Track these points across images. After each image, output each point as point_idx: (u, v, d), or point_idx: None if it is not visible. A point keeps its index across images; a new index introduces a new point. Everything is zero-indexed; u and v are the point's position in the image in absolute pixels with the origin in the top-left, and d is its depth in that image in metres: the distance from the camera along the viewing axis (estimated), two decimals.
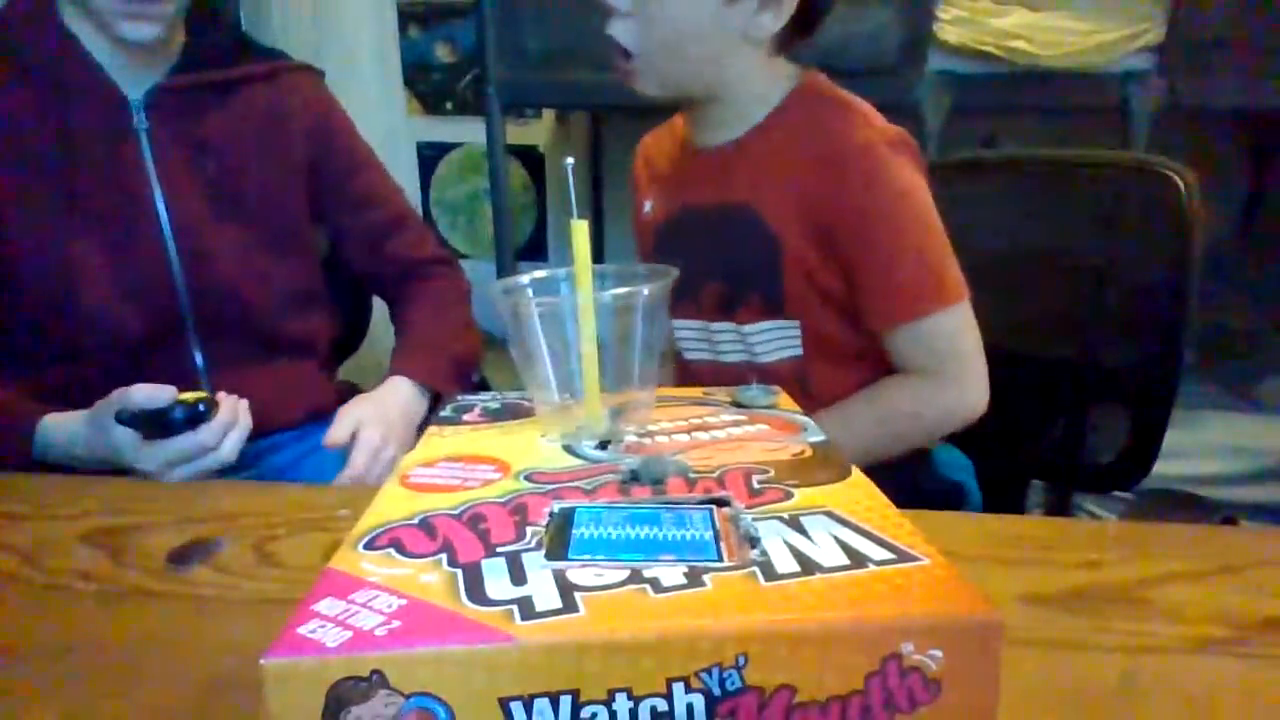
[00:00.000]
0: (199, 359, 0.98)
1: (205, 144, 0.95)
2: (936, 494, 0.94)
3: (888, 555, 0.32)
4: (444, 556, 0.33)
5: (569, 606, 0.29)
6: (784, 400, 0.55)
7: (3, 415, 0.87)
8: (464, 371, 1.08)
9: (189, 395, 0.80)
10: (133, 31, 0.87)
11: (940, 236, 0.84)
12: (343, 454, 0.89)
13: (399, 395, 0.98)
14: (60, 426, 0.85)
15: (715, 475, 0.41)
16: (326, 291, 1.10)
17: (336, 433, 0.90)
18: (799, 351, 0.90)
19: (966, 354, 0.85)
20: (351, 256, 1.10)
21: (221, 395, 0.83)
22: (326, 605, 0.30)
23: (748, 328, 0.91)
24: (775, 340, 0.91)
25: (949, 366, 0.85)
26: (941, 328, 0.84)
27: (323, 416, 1.04)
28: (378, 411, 0.94)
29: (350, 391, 1.04)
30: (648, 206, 1.02)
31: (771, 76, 0.90)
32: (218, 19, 0.96)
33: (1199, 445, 1.74)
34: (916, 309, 0.83)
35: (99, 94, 0.90)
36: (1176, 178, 0.95)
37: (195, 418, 0.78)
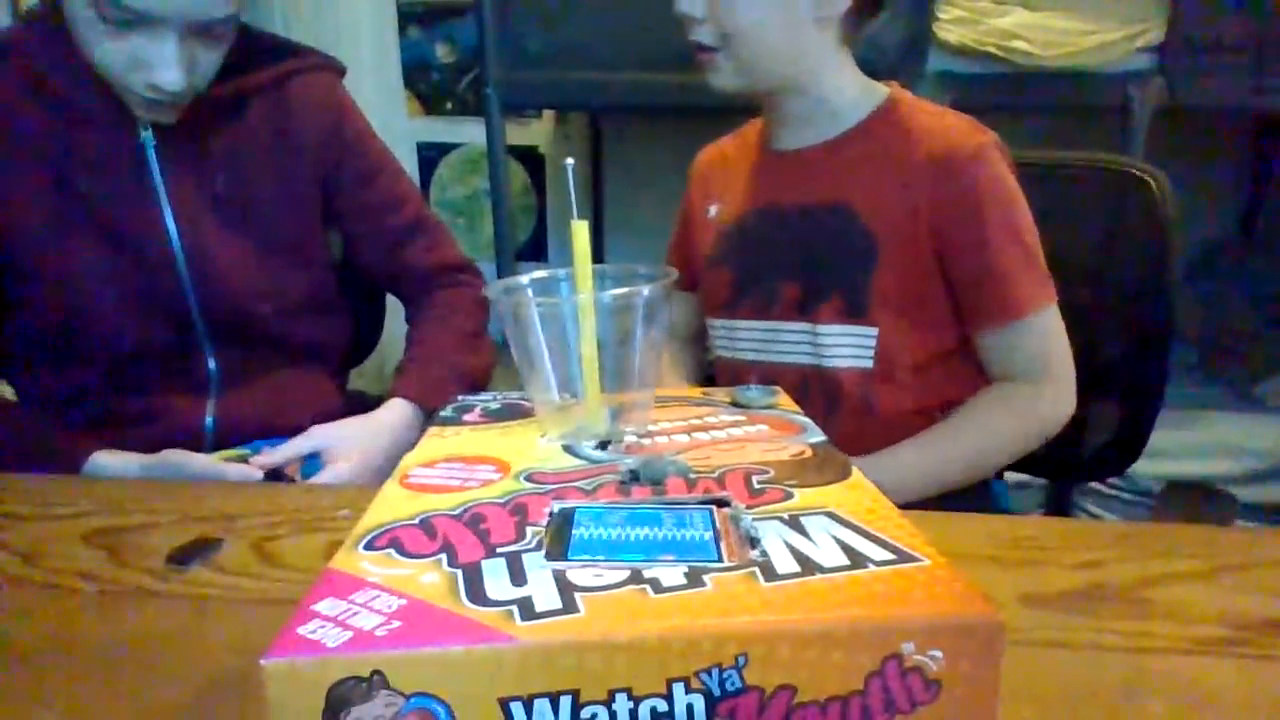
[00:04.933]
0: (211, 366, 0.98)
1: (213, 157, 0.95)
2: None
3: (888, 555, 0.32)
4: (444, 557, 0.33)
5: (569, 607, 0.29)
6: (784, 400, 0.55)
7: (52, 450, 0.89)
8: (472, 387, 1.07)
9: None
10: (152, 117, 0.88)
11: (1037, 236, 0.87)
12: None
13: (393, 421, 0.96)
14: (114, 467, 0.88)
15: (715, 475, 0.41)
16: (340, 298, 1.09)
17: (287, 450, 0.91)
18: (869, 364, 0.89)
19: (1063, 353, 0.87)
20: (369, 263, 1.09)
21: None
22: (327, 605, 0.30)
23: (823, 328, 0.90)
24: (849, 346, 0.90)
25: (1048, 366, 0.87)
26: (1046, 325, 0.86)
27: (329, 421, 1.04)
28: (354, 443, 0.92)
29: (358, 401, 1.04)
30: (713, 210, 1.01)
31: (857, 81, 0.92)
32: None
33: (1199, 445, 1.74)
34: (1029, 305, 0.85)
35: (107, 111, 0.89)
36: (1151, 180, 0.97)
37: (277, 478, 0.88)
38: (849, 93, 0.91)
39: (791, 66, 0.89)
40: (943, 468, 0.85)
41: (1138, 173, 0.99)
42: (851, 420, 0.89)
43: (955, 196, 0.84)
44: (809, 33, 0.88)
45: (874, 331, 0.88)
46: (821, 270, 0.90)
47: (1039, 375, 0.86)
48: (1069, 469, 1.12)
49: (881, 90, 0.92)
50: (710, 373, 1.09)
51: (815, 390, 0.91)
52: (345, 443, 0.92)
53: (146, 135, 0.91)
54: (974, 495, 0.90)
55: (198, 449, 0.97)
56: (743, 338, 0.97)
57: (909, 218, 0.86)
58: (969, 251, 0.85)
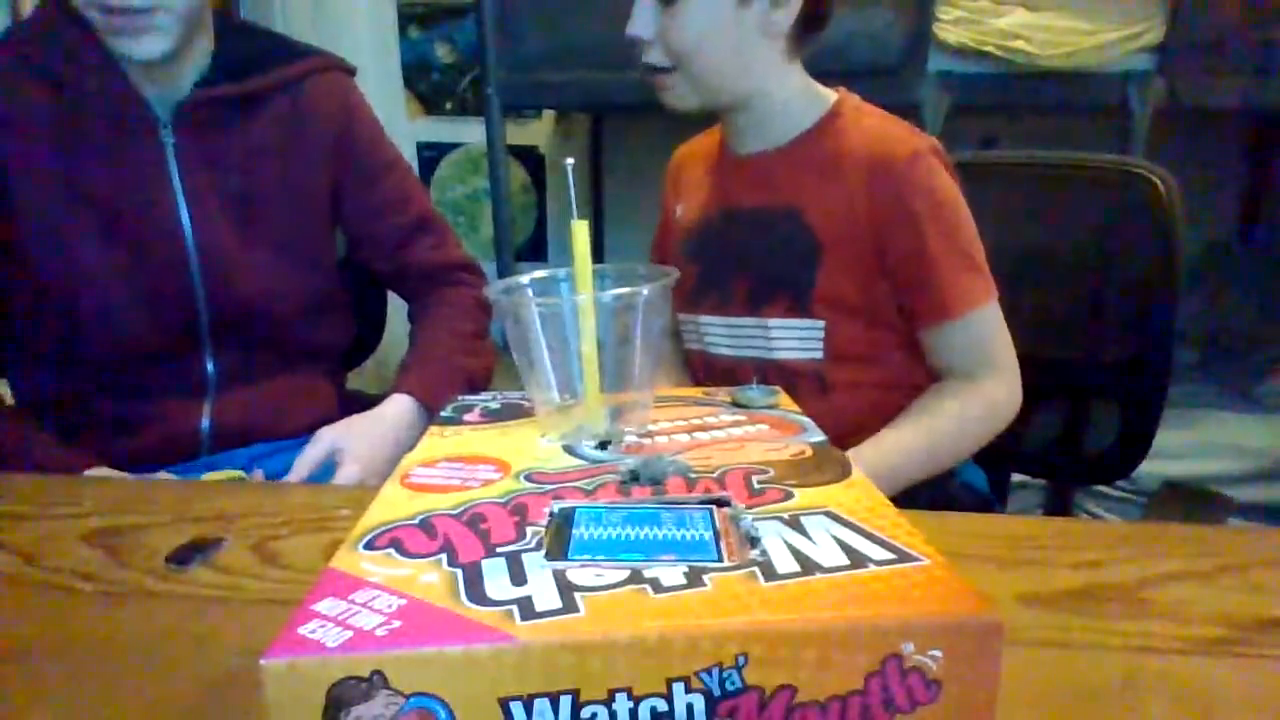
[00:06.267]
0: (210, 368, 0.98)
1: (229, 157, 0.95)
2: (964, 503, 0.96)
3: (888, 555, 0.32)
4: (444, 556, 0.33)
5: (569, 606, 0.29)
6: (784, 400, 0.55)
7: (46, 465, 0.88)
8: (472, 389, 1.07)
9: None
10: (130, 48, 0.85)
11: (977, 237, 0.89)
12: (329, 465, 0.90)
13: (397, 416, 0.96)
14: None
15: (715, 475, 0.41)
16: (344, 299, 1.09)
17: (305, 462, 0.89)
18: (819, 354, 0.92)
19: (1006, 348, 0.90)
20: (372, 262, 1.09)
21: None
22: (327, 605, 0.30)
23: (772, 322, 0.94)
24: (797, 339, 0.93)
25: (989, 361, 0.89)
26: (987, 323, 0.89)
27: (325, 425, 1.04)
28: (363, 441, 0.92)
29: (356, 401, 1.03)
30: (679, 211, 1.05)
31: (806, 89, 0.95)
32: (246, 24, 0.94)
33: (1199, 445, 1.74)
34: (967, 304, 0.88)
35: (125, 108, 0.89)
36: (1156, 179, 0.97)
37: None
38: (797, 101, 0.94)
39: (742, 81, 0.91)
40: (900, 461, 0.87)
41: (1144, 173, 0.99)
42: (809, 401, 0.91)
43: (891, 202, 0.87)
44: (757, 48, 0.90)
45: (821, 324, 0.92)
46: (769, 269, 0.94)
47: (980, 370, 0.89)
48: (1073, 471, 1.12)
49: (830, 96, 0.95)
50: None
51: (773, 379, 0.93)
52: (355, 442, 0.92)
53: (165, 134, 0.91)
54: (940, 483, 0.91)
55: (194, 451, 0.97)
56: (707, 332, 1.01)
57: (851, 221, 0.89)
58: (905, 255, 0.88)
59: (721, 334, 0.99)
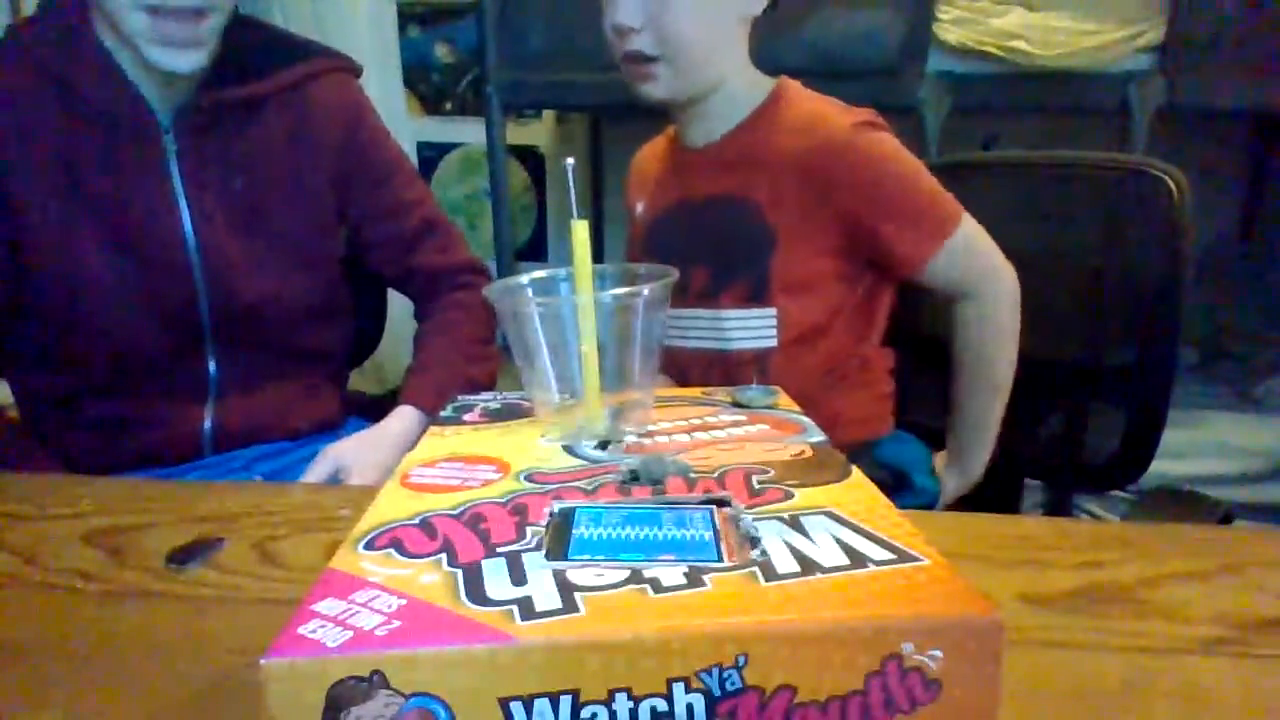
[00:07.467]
0: (213, 369, 0.97)
1: (233, 161, 0.94)
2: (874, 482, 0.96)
3: (888, 555, 0.32)
4: (444, 557, 0.33)
5: (569, 606, 0.29)
6: (784, 400, 0.55)
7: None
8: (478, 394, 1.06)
9: None
10: (167, 60, 0.84)
11: (927, 171, 0.93)
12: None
13: (402, 430, 0.95)
14: None
15: (715, 475, 0.41)
16: (346, 301, 1.08)
17: (310, 479, 0.88)
18: (773, 343, 0.94)
19: (990, 243, 0.94)
20: (379, 265, 1.09)
21: None
22: (327, 605, 0.30)
23: (726, 313, 0.95)
24: (751, 329, 0.95)
25: (990, 260, 0.93)
26: (967, 233, 0.92)
27: (327, 427, 1.03)
28: (369, 456, 0.91)
29: (356, 402, 1.03)
30: (639, 208, 1.07)
31: (753, 78, 0.97)
32: (250, 21, 0.94)
33: (1199, 445, 1.74)
34: (947, 228, 0.91)
35: (129, 112, 0.88)
36: (1169, 180, 0.97)
37: None
38: (746, 90, 0.96)
39: (716, 69, 0.92)
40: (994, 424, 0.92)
41: (1157, 173, 0.97)
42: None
43: (848, 178, 0.90)
44: (732, 33, 0.92)
45: (773, 312, 0.94)
46: (725, 257, 0.95)
47: (983, 272, 0.93)
48: (1078, 478, 1.11)
49: (770, 81, 0.97)
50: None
51: (718, 371, 0.97)
52: (361, 456, 0.91)
53: (168, 139, 0.91)
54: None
55: (196, 453, 0.97)
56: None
57: (804, 201, 0.91)
58: (875, 216, 0.90)
59: (674, 327, 0.99)
